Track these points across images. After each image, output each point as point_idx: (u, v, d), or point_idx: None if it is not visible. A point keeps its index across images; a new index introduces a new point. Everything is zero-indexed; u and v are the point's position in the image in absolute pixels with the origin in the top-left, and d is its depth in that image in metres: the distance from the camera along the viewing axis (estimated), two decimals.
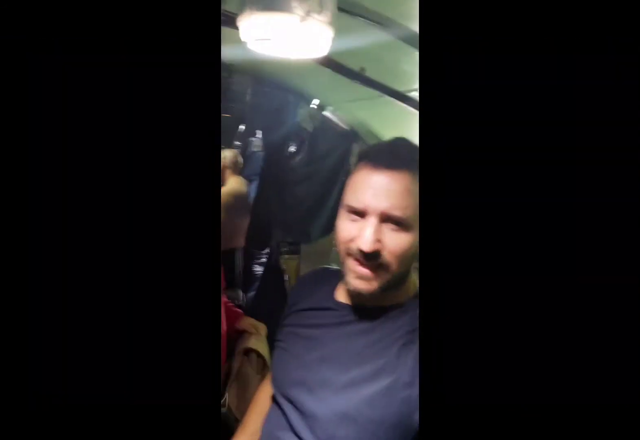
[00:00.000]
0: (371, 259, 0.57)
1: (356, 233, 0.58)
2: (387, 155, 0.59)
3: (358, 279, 0.59)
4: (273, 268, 2.34)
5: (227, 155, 2.56)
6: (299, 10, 0.64)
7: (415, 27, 0.90)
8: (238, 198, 2.41)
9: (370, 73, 1.20)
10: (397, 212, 0.56)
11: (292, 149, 2.37)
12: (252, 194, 2.54)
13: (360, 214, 0.58)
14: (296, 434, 0.59)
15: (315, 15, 0.66)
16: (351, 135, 1.88)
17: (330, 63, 1.15)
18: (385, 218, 0.57)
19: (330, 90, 1.56)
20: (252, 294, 2.56)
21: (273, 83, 2.00)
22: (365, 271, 0.58)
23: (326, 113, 1.83)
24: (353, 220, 0.59)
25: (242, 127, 3.16)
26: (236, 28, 0.72)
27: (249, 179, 2.75)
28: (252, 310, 2.06)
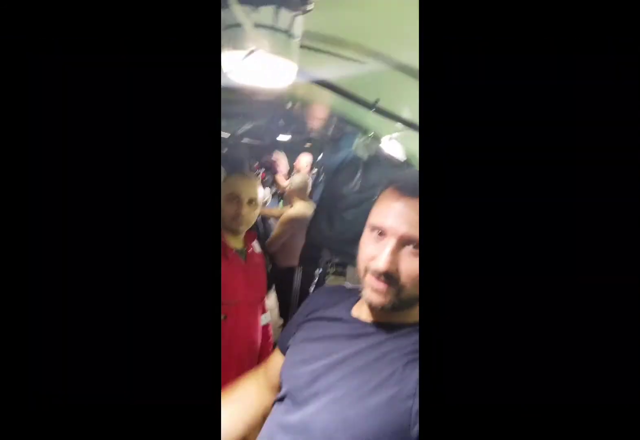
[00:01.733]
0: (387, 277, 0.60)
1: (376, 252, 0.61)
2: (415, 183, 0.61)
3: (374, 292, 0.61)
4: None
5: (295, 180, 2.68)
6: (251, 46, 0.72)
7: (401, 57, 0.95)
8: (300, 221, 2.47)
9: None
10: (416, 237, 0.59)
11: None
12: None
13: (382, 234, 0.61)
14: (294, 436, 0.61)
15: (270, 53, 0.74)
16: (404, 166, 1.89)
17: (348, 95, 1.20)
18: (405, 241, 0.60)
19: (385, 123, 1.55)
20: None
21: (333, 116, 2.06)
22: (380, 285, 0.61)
23: (382, 144, 1.83)
24: (375, 240, 0.62)
25: (320, 157, 3.29)
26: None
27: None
28: None
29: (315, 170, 3.40)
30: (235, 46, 0.75)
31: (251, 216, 1.28)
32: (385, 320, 0.66)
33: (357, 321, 0.69)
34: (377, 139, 1.85)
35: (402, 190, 0.62)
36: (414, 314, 0.64)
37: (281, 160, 3.78)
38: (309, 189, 2.70)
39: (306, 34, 0.81)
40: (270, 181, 3.74)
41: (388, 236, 0.60)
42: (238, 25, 0.72)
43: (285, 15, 0.74)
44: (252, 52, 0.73)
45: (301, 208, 2.57)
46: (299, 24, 0.77)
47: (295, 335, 0.76)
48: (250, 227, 1.31)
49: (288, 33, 0.76)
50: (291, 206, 2.64)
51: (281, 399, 0.68)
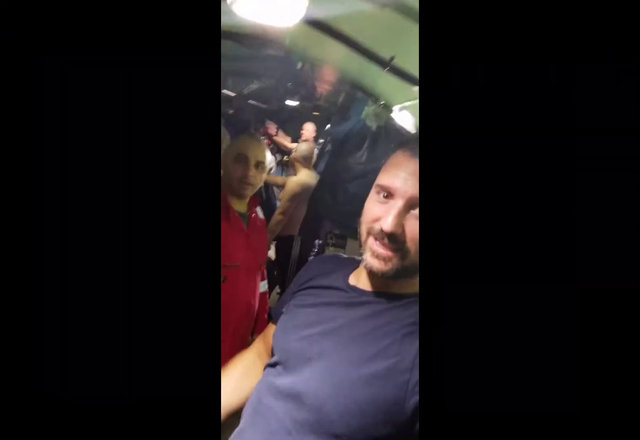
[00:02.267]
0: (391, 241, 0.58)
1: (381, 214, 0.60)
2: None
3: (375, 258, 0.60)
4: None
5: (301, 148, 2.61)
6: None
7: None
8: (304, 189, 2.43)
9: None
10: None
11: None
12: None
13: (389, 196, 0.60)
14: (286, 401, 0.60)
15: None
16: (415, 138, 1.79)
17: (361, 49, 1.12)
18: (413, 204, 0.58)
19: (398, 90, 1.47)
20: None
21: (344, 81, 1.96)
22: (383, 251, 0.59)
23: (393, 114, 1.74)
24: (381, 202, 0.61)
25: (329, 125, 3.21)
26: None
27: None
28: None
29: (321, 140, 3.33)
30: None
31: (257, 179, 1.26)
32: (384, 290, 0.64)
33: (354, 289, 0.67)
34: (388, 108, 1.75)
35: (413, 152, 0.60)
36: (414, 284, 0.63)
37: (272, 129, 3.76)
38: (314, 158, 2.66)
39: None
40: (275, 149, 3.71)
41: (396, 198, 0.59)
42: None
43: None
44: None
45: (305, 177, 2.53)
46: None
47: (289, 303, 0.75)
48: (255, 191, 1.31)
49: None
50: (295, 174, 2.61)
51: (273, 365, 0.67)
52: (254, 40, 1.59)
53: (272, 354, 0.70)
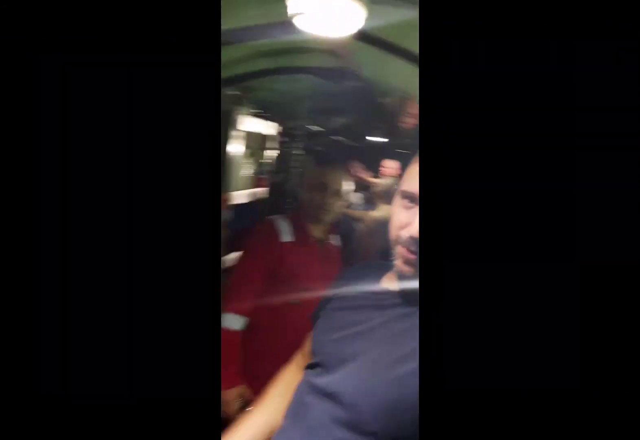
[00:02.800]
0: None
1: (408, 220, 0.60)
2: None
3: (406, 264, 0.60)
4: None
5: (381, 183, 2.70)
6: None
7: None
8: (381, 224, 2.44)
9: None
10: None
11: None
12: None
13: (414, 200, 0.60)
14: (323, 400, 0.62)
15: None
16: None
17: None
18: None
19: None
20: None
21: None
22: (413, 256, 0.59)
23: None
24: (407, 208, 0.61)
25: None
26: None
27: None
28: None
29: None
30: None
31: (335, 206, 1.32)
32: (415, 292, 0.63)
33: (386, 292, 0.68)
34: None
35: None
36: None
37: (356, 169, 3.85)
38: (392, 192, 2.64)
39: None
40: (361, 186, 3.78)
41: None
42: None
43: None
44: None
45: (383, 213, 2.53)
46: None
47: (325, 307, 0.77)
48: (333, 218, 1.36)
49: None
50: (375, 209, 2.63)
51: (312, 366, 0.69)
52: (328, 71, 1.65)
53: (311, 357, 0.72)
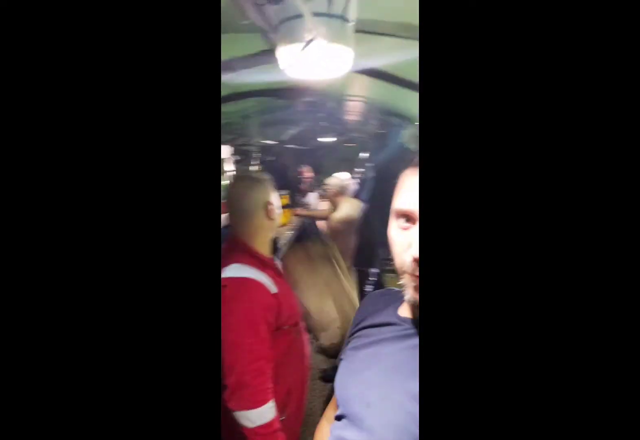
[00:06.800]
0: None
1: (408, 241, 0.55)
2: None
3: (416, 291, 0.55)
4: (380, 286, 2.36)
5: (330, 182, 2.62)
6: (309, 36, 0.74)
7: None
8: (348, 222, 2.46)
9: None
10: None
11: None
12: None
13: (410, 220, 0.55)
14: None
15: (327, 40, 0.75)
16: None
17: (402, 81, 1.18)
18: None
19: None
20: None
21: (377, 107, 2.03)
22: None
23: None
24: (403, 228, 0.56)
25: (363, 154, 3.28)
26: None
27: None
28: None
29: (360, 169, 3.40)
30: (292, 40, 0.75)
31: (278, 219, 1.24)
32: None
33: (406, 321, 0.64)
34: None
35: None
36: None
37: (307, 172, 3.97)
38: (350, 188, 2.65)
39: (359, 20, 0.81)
40: (314, 185, 3.82)
41: (417, 218, 0.54)
42: (293, 17, 0.74)
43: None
44: (310, 41, 0.73)
45: (345, 209, 2.51)
46: (354, 6, 0.76)
47: (345, 348, 0.73)
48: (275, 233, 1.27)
49: (343, 18, 0.76)
50: (334, 209, 2.58)
51: (338, 418, 0.66)
52: (294, 92, 1.68)
53: (337, 407, 0.68)
